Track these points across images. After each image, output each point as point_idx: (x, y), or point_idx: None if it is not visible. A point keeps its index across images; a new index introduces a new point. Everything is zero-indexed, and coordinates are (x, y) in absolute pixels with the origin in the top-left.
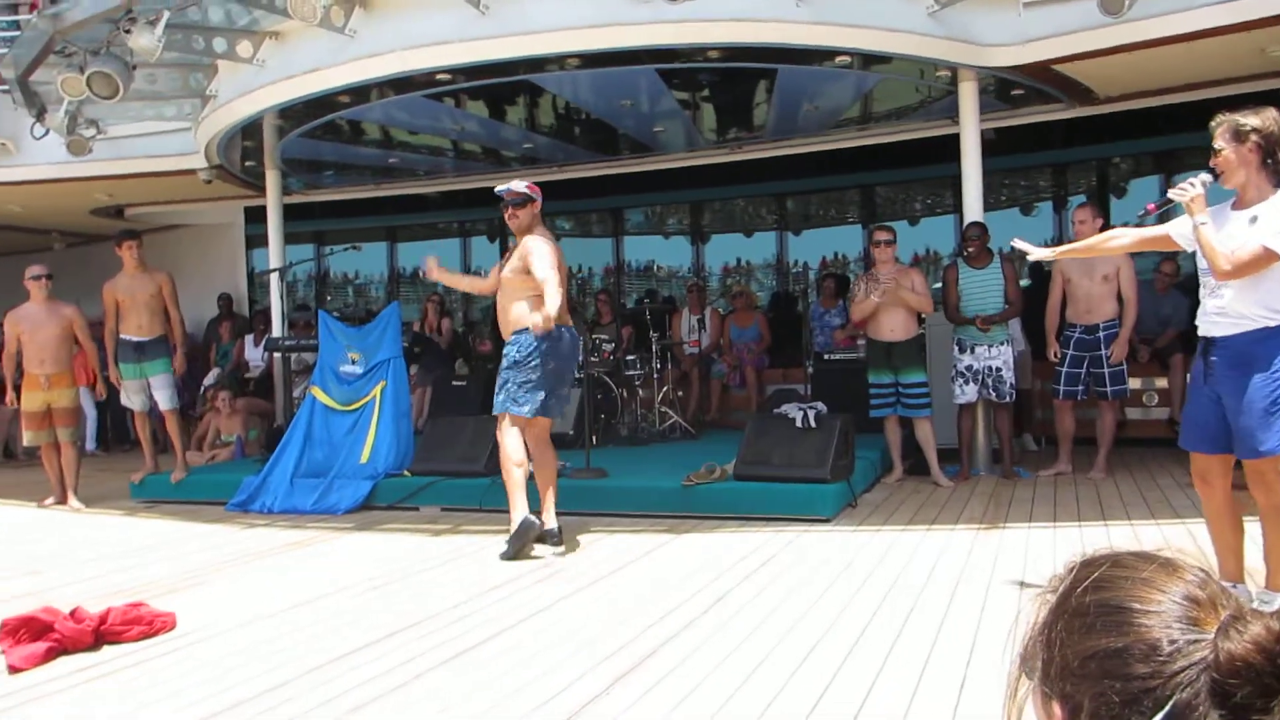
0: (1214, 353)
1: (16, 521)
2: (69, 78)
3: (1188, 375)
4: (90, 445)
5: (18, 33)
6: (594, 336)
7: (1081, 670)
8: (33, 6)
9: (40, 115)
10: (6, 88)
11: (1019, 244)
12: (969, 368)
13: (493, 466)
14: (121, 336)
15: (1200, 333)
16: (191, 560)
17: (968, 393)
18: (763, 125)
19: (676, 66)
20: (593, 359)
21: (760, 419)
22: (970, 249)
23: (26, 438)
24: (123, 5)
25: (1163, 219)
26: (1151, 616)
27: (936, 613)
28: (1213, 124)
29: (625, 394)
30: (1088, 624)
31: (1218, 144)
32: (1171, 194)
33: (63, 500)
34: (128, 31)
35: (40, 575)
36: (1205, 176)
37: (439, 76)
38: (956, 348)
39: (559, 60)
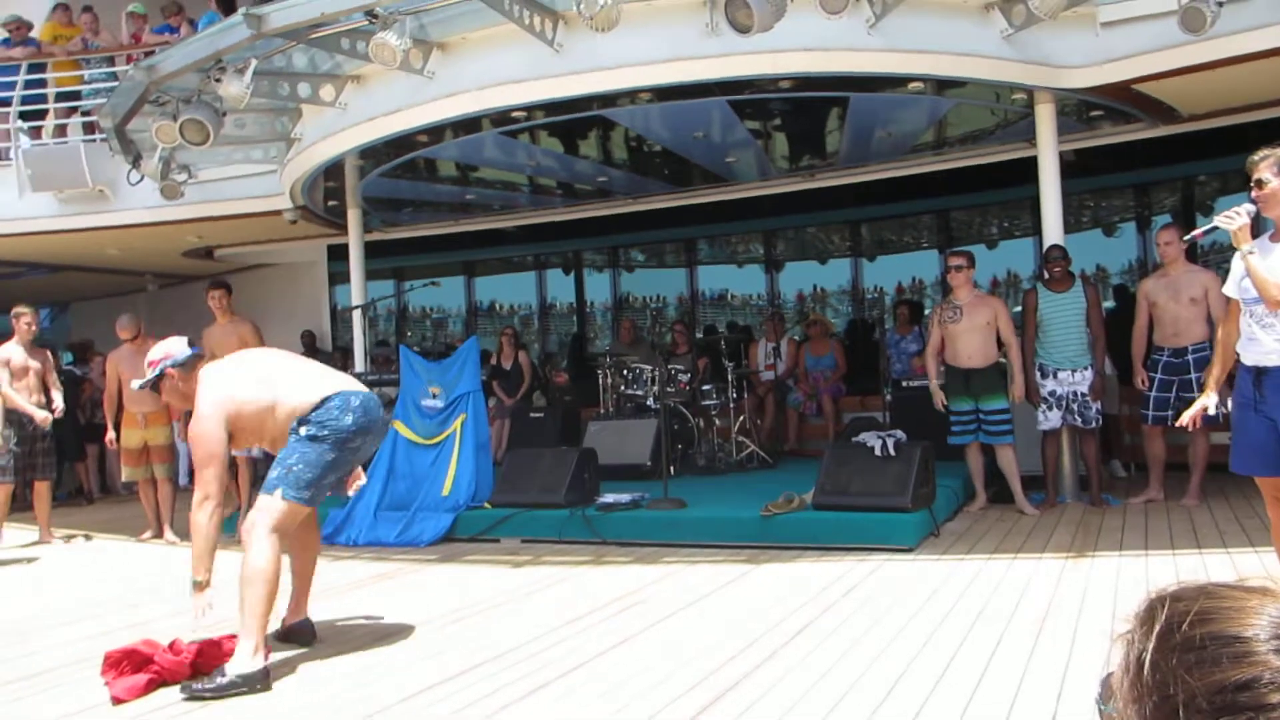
0: (1266, 382)
1: (116, 555)
2: (163, 125)
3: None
4: (183, 480)
5: (114, 83)
6: (670, 367)
7: (1212, 706)
8: (129, 59)
9: (136, 162)
10: (104, 136)
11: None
12: (1052, 393)
13: (572, 498)
14: None
15: (1249, 362)
16: (282, 594)
17: (1051, 419)
18: (835, 152)
19: (747, 98)
20: (669, 389)
21: (838, 447)
22: (1054, 271)
23: (125, 474)
24: (212, 55)
25: (1202, 244)
26: (1274, 643)
27: (1024, 645)
28: (1255, 158)
29: (702, 424)
30: (1206, 658)
31: (1262, 176)
32: (1217, 221)
33: (159, 534)
34: (218, 80)
35: (139, 608)
36: (1249, 206)
37: (514, 114)
38: (1039, 373)
39: (630, 95)
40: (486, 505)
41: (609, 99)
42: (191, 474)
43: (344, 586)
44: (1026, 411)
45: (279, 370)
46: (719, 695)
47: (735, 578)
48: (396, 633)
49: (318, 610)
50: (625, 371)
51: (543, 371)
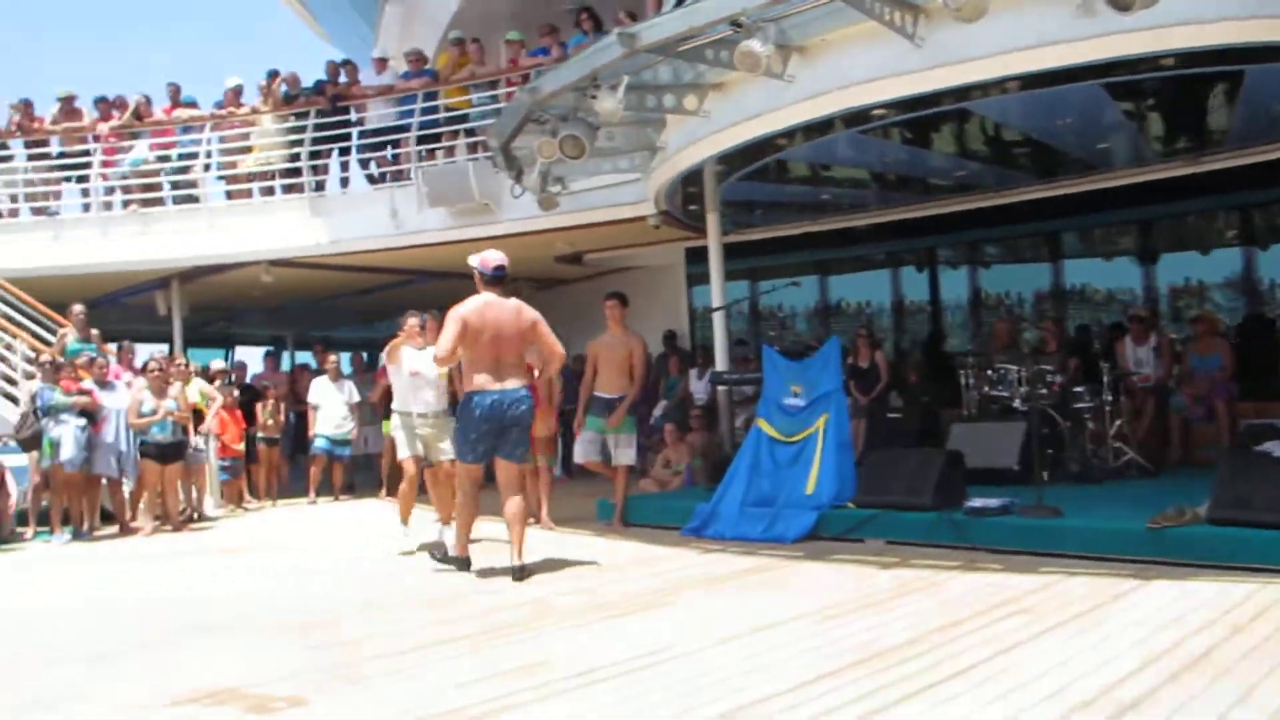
0: None
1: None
2: (544, 142)
3: None
4: (558, 471)
5: (496, 105)
6: (1039, 367)
7: None
8: (508, 83)
9: (518, 177)
10: (490, 155)
11: None
12: None
13: (938, 501)
14: (595, 393)
15: None
16: (662, 580)
17: None
18: (1223, 131)
19: (1123, 79)
20: (1039, 391)
21: (1237, 456)
22: None
23: None
24: (588, 75)
25: None
26: None
27: None
28: None
29: (1072, 427)
30: None
31: None
32: None
33: (538, 520)
34: (593, 97)
35: (533, 585)
36: None
37: (874, 112)
38: None
39: (997, 85)
40: (850, 505)
41: (966, 91)
42: (565, 466)
43: (718, 578)
44: None
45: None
46: (1119, 713)
47: (1122, 592)
48: (769, 625)
49: (693, 598)
50: (990, 371)
51: (899, 371)
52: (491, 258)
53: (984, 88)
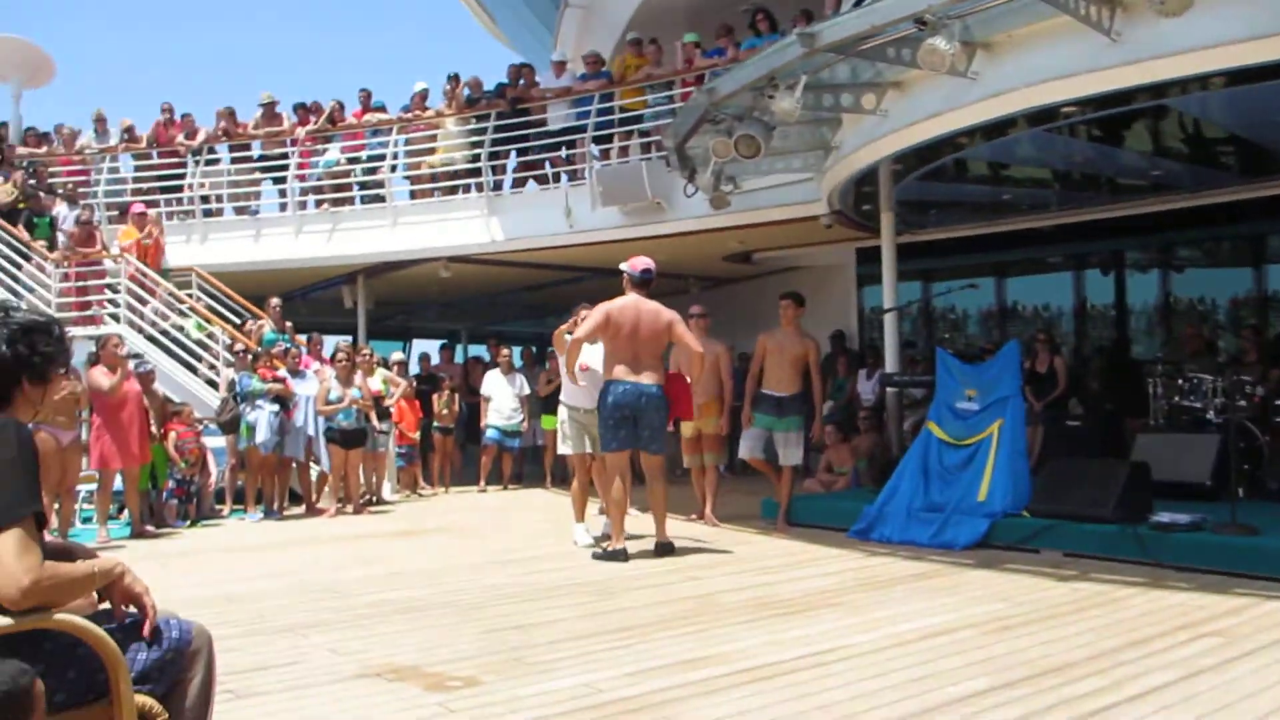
0: None
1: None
2: (719, 142)
3: None
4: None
5: (671, 106)
6: (1237, 377)
7: None
8: (683, 83)
9: (691, 176)
10: (663, 154)
11: None
12: None
13: (1120, 514)
14: (763, 390)
15: None
16: (825, 580)
17: None
18: None
19: None
20: (1238, 402)
21: None
22: None
23: (685, 460)
24: (766, 75)
25: None
26: None
27: None
28: None
29: (1272, 442)
30: None
31: None
32: None
33: (701, 516)
34: (770, 97)
35: (699, 581)
36: None
37: (1061, 110)
38: None
39: (1200, 81)
40: (1024, 514)
41: (1164, 88)
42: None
43: (883, 581)
44: None
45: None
46: None
47: None
48: (938, 633)
49: (860, 601)
50: (1181, 381)
51: (1080, 377)
52: (639, 262)
53: (1184, 84)
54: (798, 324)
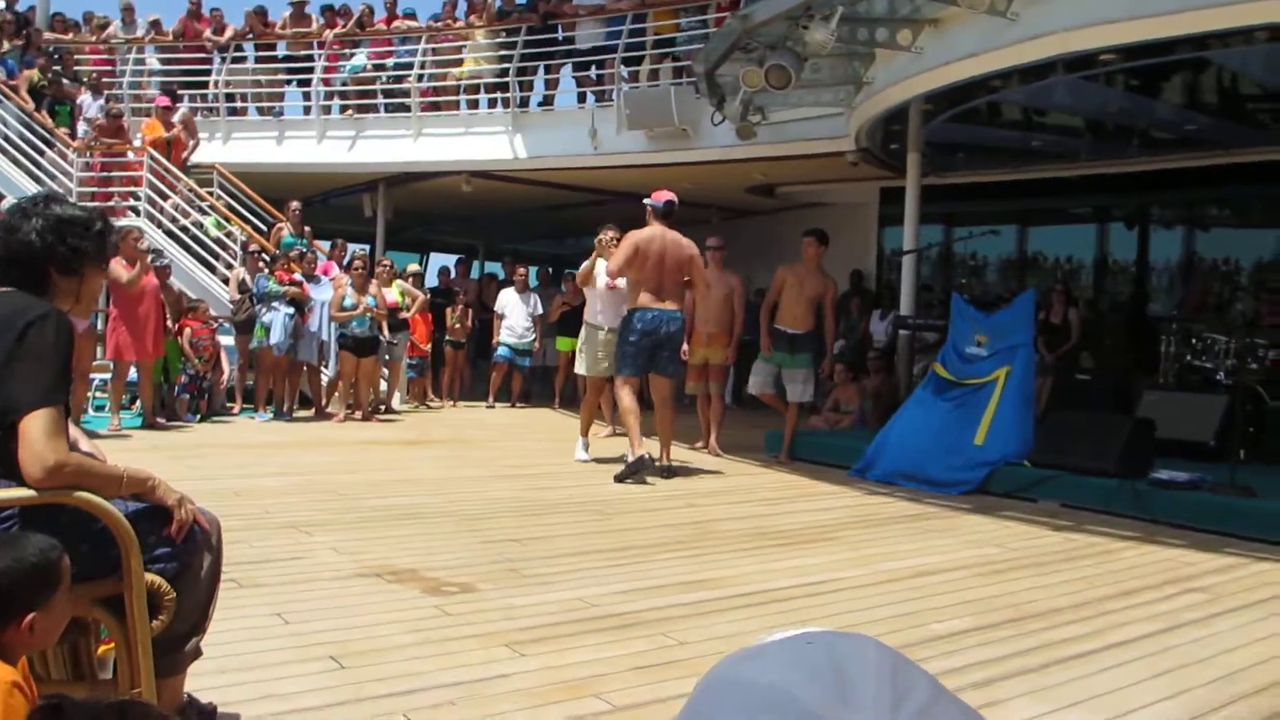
0: None
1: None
2: (749, 70)
3: None
4: (728, 400)
5: (704, 31)
6: (1251, 339)
7: None
8: (718, 7)
9: (719, 104)
10: (693, 80)
11: None
12: None
13: (1122, 468)
14: (777, 325)
15: None
16: (823, 515)
17: None
18: None
19: None
20: (1250, 365)
21: None
22: None
23: (689, 386)
24: (802, 4)
25: None
26: None
27: None
28: None
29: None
30: None
31: None
32: None
33: (706, 446)
34: (805, 27)
35: (699, 508)
36: None
37: (1100, 57)
38: None
39: (1242, 34)
40: (1026, 463)
41: (1204, 40)
42: (736, 396)
43: (880, 520)
44: None
45: None
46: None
47: None
48: (928, 572)
49: (855, 537)
50: (1195, 340)
51: (1094, 331)
52: (662, 194)
53: (1225, 36)
54: (819, 262)
